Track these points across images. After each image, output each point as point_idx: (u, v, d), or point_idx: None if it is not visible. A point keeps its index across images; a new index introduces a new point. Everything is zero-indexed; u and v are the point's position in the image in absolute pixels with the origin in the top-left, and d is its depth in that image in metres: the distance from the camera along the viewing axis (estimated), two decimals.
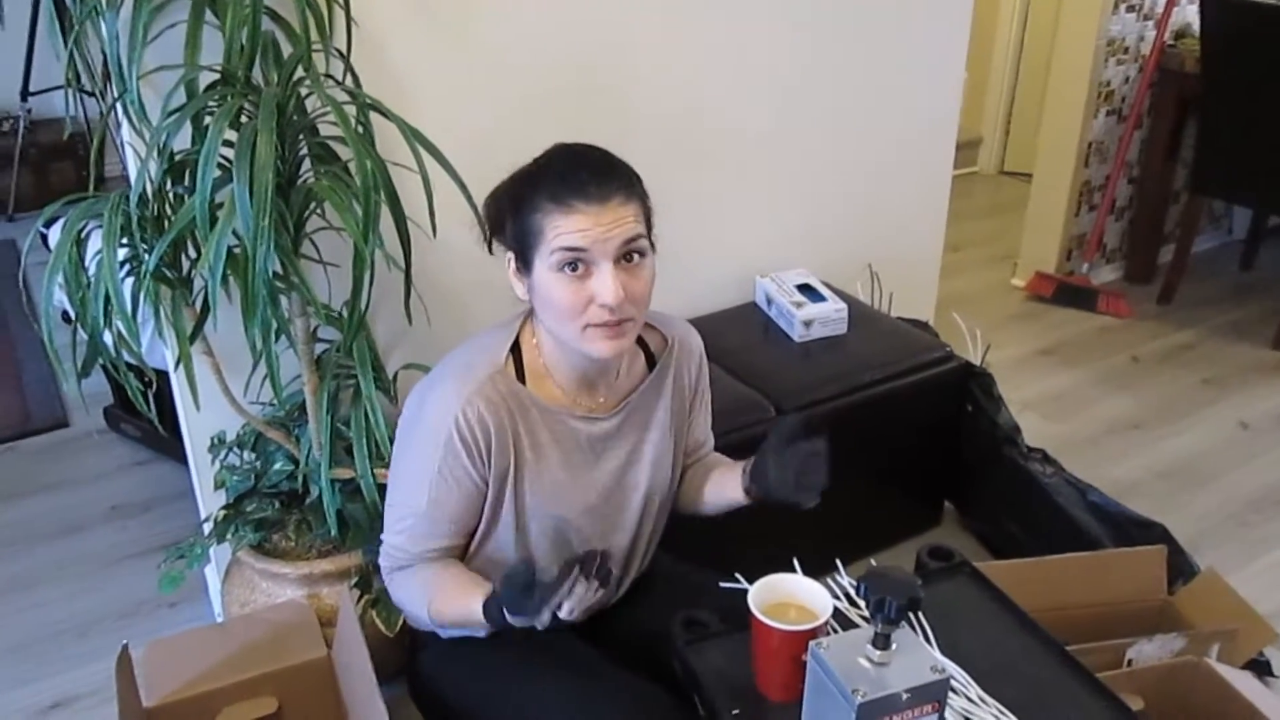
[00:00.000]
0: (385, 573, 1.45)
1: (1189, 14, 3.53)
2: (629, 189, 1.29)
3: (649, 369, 1.48)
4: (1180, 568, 2.02)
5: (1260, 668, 1.95)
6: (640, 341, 1.48)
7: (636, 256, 1.29)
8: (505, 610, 1.22)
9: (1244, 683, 1.60)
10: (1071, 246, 3.73)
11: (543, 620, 1.19)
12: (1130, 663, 1.68)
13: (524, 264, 1.33)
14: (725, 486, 1.50)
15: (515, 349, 1.39)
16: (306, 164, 1.61)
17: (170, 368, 1.90)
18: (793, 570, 1.31)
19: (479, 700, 1.43)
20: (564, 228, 1.25)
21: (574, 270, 1.27)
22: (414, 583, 1.40)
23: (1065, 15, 3.51)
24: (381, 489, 1.75)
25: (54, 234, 1.77)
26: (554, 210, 1.26)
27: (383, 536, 1.44)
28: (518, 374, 1.38)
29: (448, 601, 1.36)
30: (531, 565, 1.19)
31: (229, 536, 1.82)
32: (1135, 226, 3.84)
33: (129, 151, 1.72)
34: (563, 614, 1.18)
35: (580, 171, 1.28)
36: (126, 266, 1.60)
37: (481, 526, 1.41)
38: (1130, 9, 3.44)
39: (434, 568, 1.40)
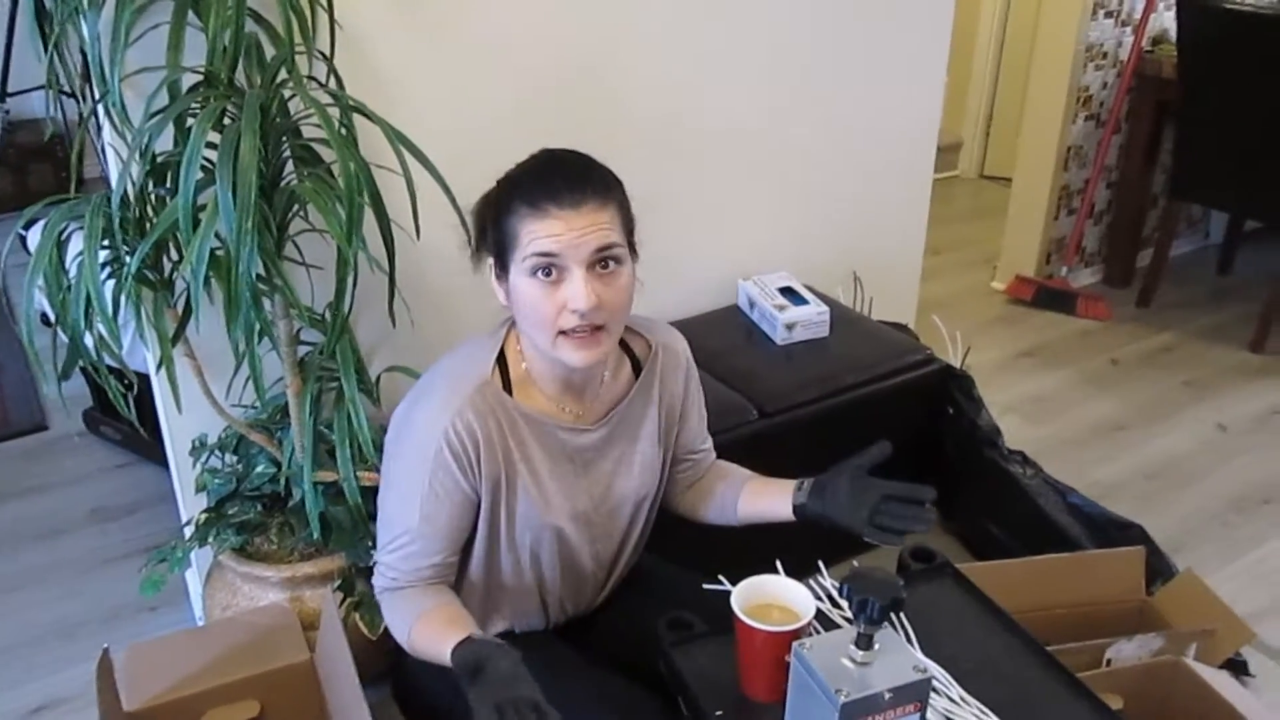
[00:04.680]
0: (378, 590, 1.41)
1: (1166, 20, 3.56)
2: (605, 195, 1.28)
3: (635, 376, 1.47)
4: (1159, 568, 2.04)
5: (1237, 667, 1.97)
6: (626, 348, 1.47)
7: (612, 264, 1.28)
8: (464, 678, 1.20)
9: (1221, 682, 1.61)
10: (1051, 250, 3.75)
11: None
12: (1110, 662, 1.70)
13: (502, 268, 1.32)
14: (764, 499, 1.49)
15: (501, 358, 1.38)
16: (289, 166, 1.61)
17: (152, 370, 1.89)
18: (775, 572, 1.32)
19: (463, 703, 1.42)
20: (537, 232, 1.25)
21: (547, 275, 1.26)
22: (403, 607, 1.37)
23: (1044, 21, 3.54)
24: (364, 491, 1.75)
25: (34, 236, 1.76)
26: (528, 214, 1.26)
27: (376, 555, 1.41)
28: (504, 384, 1.37)
29: (427, 636, 1.32)
30: (493, 656, 1.18)
31: (210, 540, 1.81)
32: (1114, 230, 3.87)
33: (110, 153, 1.71)
34: None
35: (555, 177, 1.28)
36: (108, 269, 1.59)
37: (477, 539, 1.40)
38: (1108, 15, 3.47)
39: (425, 596, 1.37)
